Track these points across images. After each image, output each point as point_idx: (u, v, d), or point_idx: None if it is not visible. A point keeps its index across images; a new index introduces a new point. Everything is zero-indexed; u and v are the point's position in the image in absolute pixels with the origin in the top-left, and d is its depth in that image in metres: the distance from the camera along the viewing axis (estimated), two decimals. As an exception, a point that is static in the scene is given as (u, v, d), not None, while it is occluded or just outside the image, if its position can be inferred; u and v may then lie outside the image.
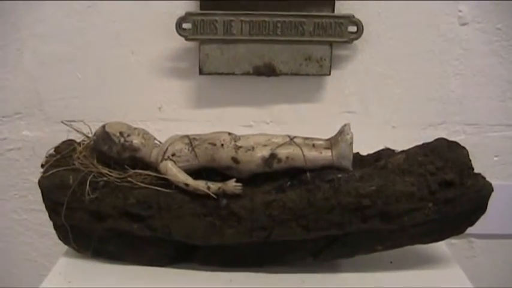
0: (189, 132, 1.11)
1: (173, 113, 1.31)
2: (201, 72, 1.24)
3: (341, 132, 1.04)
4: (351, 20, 1.21)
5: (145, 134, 1.08)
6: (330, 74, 1.25)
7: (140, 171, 1.06)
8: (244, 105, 1.30)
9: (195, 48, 1.24)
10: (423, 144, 1.09)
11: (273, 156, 1.02)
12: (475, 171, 1.05)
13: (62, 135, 1.19)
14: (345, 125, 1.05)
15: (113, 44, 1.27)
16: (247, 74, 1.24)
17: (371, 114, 1.31)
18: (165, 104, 1.30)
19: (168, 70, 1.28)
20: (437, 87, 1.29)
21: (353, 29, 1.22)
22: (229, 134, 1.06)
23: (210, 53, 1.23)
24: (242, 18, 1.21)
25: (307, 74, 1.25)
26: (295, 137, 1.07)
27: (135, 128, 1.09)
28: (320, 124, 1.29)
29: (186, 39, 1.21)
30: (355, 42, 1.23)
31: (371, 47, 1.26)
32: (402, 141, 1.27)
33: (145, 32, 1.26)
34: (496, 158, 1.34)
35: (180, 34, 1.21)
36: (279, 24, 1.21)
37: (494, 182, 1.05)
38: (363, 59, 1.27)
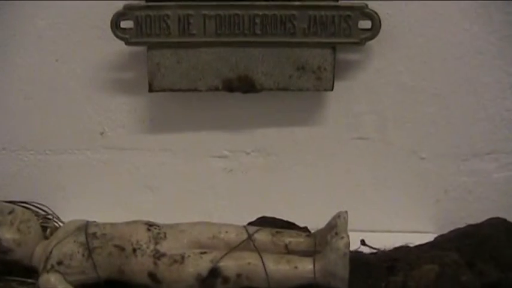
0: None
1: (119, 140, 0.91)
2: (151, 89, 0.84)
3: (332, 227, 0.64)
4: (362, 11, 0.79)
5: (24, 223, 0.69)
6: (332, 89, 0.84)
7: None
8: (214, 129, 0.90)
9: (142, 55, 0.83)
10: (466, 228, 0.67)
11: (214, 273, 0.61)
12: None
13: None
14: (339, 216, 0.65)
15: (36, 50, 0.87)
16: (215, 90, 0.83)
17: (391, 141, 0.89)
18: (109, 128, 0.91)
19: (109, 84, 0.88)
20: (486, 104, 0.86)
21: (366, 24, 0.80)
22: (149, 227, 0.66)
23: (162, 62, 0.82)
24: (205, 11, 0.79)
25: (301, 90, 0.83)
26: (258, 229, 0.66)
27: (11, 212, 0.69)
28: (320, 154, 0.90)
29: (127, 43, 0.81)
30: (370, 43, 0.81)
31: (392, 49, 0.84)
32: (434, 177, 0.91)
33: (76, 33, 0.86)
34: None
35: (118, 36, 0.81)
36: (258, 20, 0.80)
37: None
38: (380, 67, 0.85)
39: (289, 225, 0.75)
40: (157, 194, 0.93)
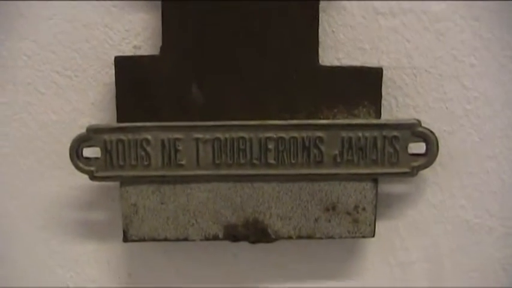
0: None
1: (89, 299, 0.63)
2: (126, 238, 0.56)
3: None
4: (414, 131, 0.53)
5: None
6: (373, 235, 0.56)
7: None
8: (214, 285, 0.62)
9: (115, 190, 0.56)
10: None
11: None
12: None
13: None
14: None
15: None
16: (214, 239, 0.56)
17: (452, 298, 0.61)
18: (74, 284, 0.62)
19: (74, 227, 0.60)
20: None
21: (418, 147, 0.53)
22: None
23: (140, 203, 0.55)
24: (198, 134, 0.53)
25: (331, 237, 0.56)
26: None
27: None
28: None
29: (92, 177, 0.54)
30: (423, 172, 0.55)
31: (451, 177, 0.57)
32: None
33: (28, 161, 0.59)
34: None
35: (79, 169, 0.54)
36: (271, 145, 0.53)
37: None
38: (436, 201, 0.58)
39: None
40: None
